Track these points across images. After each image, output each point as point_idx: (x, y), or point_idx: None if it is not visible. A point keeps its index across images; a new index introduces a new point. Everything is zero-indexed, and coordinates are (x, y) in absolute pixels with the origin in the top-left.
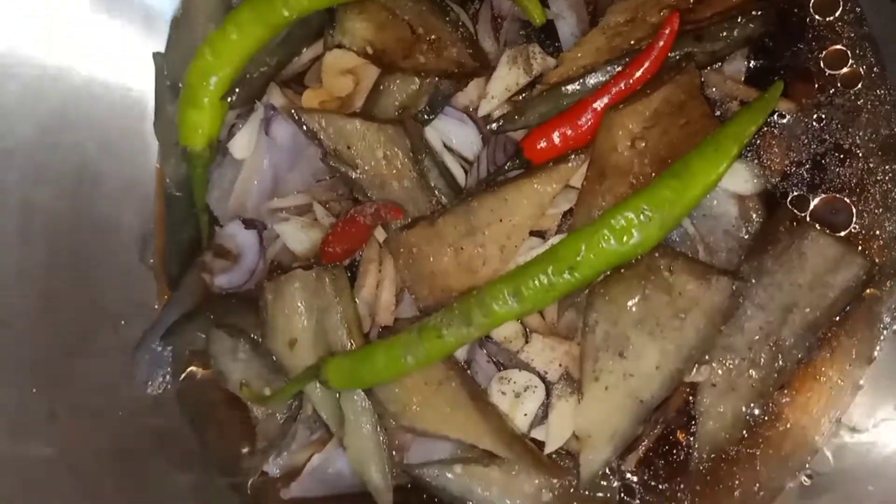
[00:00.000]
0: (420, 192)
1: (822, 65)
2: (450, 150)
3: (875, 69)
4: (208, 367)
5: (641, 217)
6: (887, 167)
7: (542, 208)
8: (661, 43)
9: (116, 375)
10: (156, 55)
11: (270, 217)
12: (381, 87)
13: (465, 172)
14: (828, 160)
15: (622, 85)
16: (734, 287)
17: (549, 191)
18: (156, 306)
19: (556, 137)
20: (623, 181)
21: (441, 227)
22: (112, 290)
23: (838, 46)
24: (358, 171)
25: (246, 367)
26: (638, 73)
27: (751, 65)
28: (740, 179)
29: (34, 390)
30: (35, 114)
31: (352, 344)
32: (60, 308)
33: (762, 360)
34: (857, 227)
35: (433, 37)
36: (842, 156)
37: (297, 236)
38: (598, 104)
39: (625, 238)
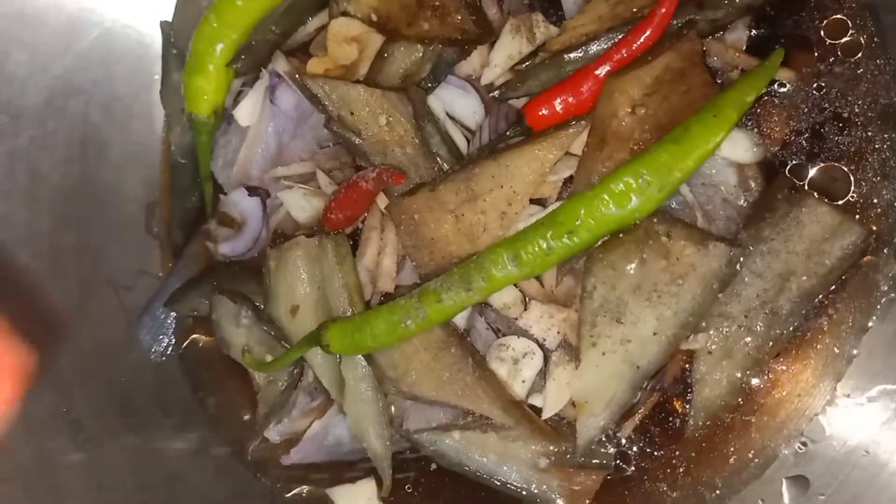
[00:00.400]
0: (422, 158)
1: (822, 34)
2: (452, 119)
3: (875, 39)
4: (211, 334)
5: (640, 181)
6: (885, 136)
7: (542, 175)
8: (663, 10)
9: (119, 340)
10: (163, 23)
11: (274, 185)
12: (386, 55)
13: (468, 141)
14: (827, 129)
15: (624, 52)
16: (731, 253)
17: (550, 157)
18: (160, 274)
19: (557, 104)
20: (623, 147)
21: (442, 193)
22: (116, 257)
23: (839, 16)
24: (361, 138)
25: (248, 334)
26: (640, 41)
27: (752, 33)
28: (740, 148)
29: (38, 351)
30: (42, 80)
31: (353, 311)
32: (65, 274)
33: (758, 327)
34: (855, 195)
35: (437, 3)
36: (841, 124)
37: (300, 204)
38: (600, 71)
39: (624, 202)
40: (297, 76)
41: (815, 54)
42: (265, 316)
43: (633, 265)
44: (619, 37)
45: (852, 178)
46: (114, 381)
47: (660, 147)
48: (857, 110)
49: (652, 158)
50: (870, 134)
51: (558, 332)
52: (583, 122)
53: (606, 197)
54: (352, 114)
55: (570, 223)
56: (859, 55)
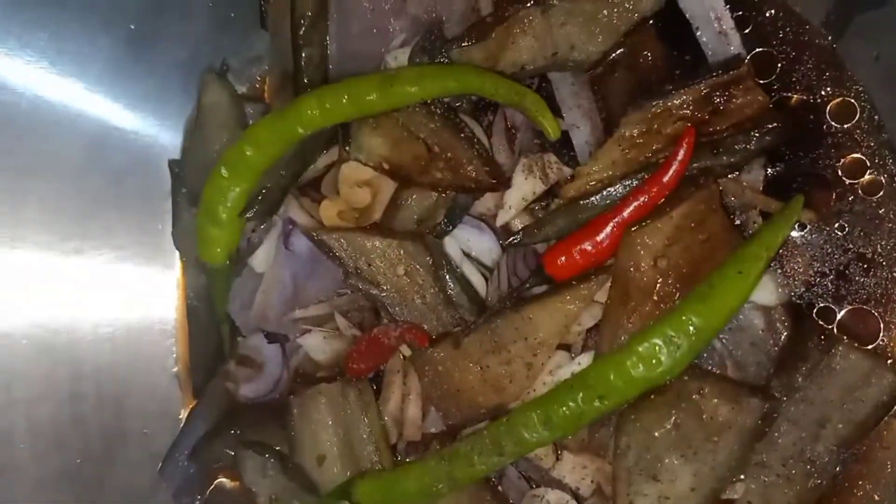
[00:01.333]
0: (442, 306)
1: (839, 173)
2: (469, 257)
3: None
4: (236, 478)
5: (669, 345)
6: None
7: (566, 327)
8: (679, 159)
9: (145, 486)
10: (171, 162)
11: (292, 326)
12: (399, 202)
13: (486, 279)
14: (851, 270)
15: (641, 199)
16: (766, 408)
17: (573, 309)
18: (180, 415)
19: (576, 254)
20: (647, 301)
21: (466, 345)
22: (137, 399)
23: (857, 154)
24: (380, 289)
25: (274, 483)
26: (655, 190)
27: (769, 172)
28: (765, 291)
29: None
30: None
31: (379, 455)
32: (87, 420)
33: (797, 476)
34: (885, 339)
35: (449, 154)
36: (865, 265)
37: (321, 347)
38: (617, 220)
39: (654, 365)
40: (312, 233)
41: (834, 194)
42: (291, 465)
43: (666, 427)
44: (635, 183)
45: (881, 322)
46: None
47: (686, 307)
48: (880, 250)
49: (679, 320)
50: (895, 275)
51: (592, 482)
52: (604, 274)
53: (635, 359)
54: (369, 265)
55: (599, 387)
56: (881, 194)
